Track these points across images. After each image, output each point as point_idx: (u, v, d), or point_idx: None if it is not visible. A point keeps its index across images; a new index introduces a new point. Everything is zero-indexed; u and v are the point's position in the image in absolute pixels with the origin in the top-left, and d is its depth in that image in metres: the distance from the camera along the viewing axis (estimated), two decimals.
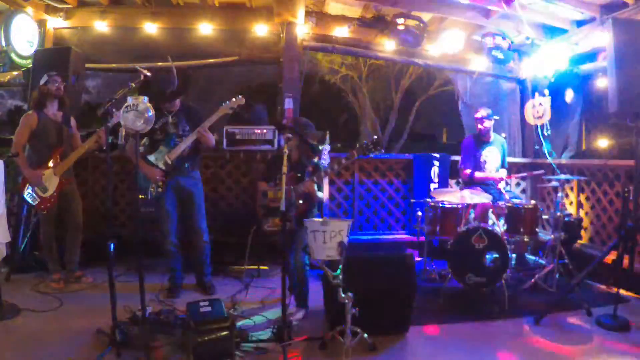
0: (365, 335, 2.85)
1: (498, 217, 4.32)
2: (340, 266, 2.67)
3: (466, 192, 4.19)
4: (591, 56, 5.25)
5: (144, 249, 2.86)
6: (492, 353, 2.97)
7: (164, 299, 3.72)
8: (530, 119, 5.60)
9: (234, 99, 3.76)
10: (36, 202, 3.85)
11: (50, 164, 3.89)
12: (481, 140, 4.82)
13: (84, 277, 4.14)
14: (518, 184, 5.94)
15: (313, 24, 5.47)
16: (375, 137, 3.37)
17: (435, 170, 5.38)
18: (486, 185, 4.70)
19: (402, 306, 3.19)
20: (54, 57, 4.74)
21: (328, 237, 2.68)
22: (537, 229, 4.17)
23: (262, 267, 4.55)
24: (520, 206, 4.15)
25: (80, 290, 3.93)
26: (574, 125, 5.93)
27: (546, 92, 5.38)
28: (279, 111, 5.26)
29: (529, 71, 5.99)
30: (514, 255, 4.37)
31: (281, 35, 5.35)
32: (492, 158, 4.79)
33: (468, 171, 4.77)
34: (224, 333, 2.69)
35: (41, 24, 5.17)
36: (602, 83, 5.41)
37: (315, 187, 3.43)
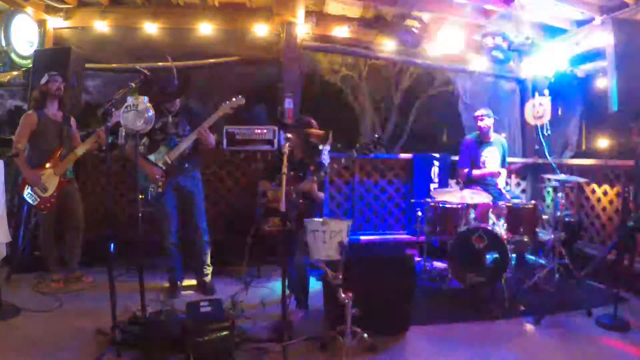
0: (365, 335, 2.84)
1: (498, 217, 4.32)
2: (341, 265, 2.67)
3: (466, 192, 4.19)
4: (591, 56, 5.25)
5: (144, 249, 2.86)
6: (492, 353, 2.97)
7: (164, 299, 3.72)
8: (530, 119, 5.59)
9: (234, 99, 3.76)
10: (36, 202, 3.85)
11: (50, 164, 3.89)
12: (481, 140, 4.82)
13: (84, 277, 4.14)
14: (518, 184, 5.94)
15: (313, 24, 5.47)
16: (376, 135, 3.37)
17: (435, 170, 5.38)
18: (486, 185, 4.70)
19: (402, 306, 3.20)
20: (54, 57, 4.74)
21: (328, 237, 2.68)
22: (537, 229, 4.16)
23: (262, 267, 4.55)
24: (520, 206, 4.15)
25: (80, 290, 3.93)
26: (574, 125, 5.93)
27: (546, 92, 5.38)
28: (279, 111, 5.26)
29: (529, 71, 5.99)
30: (514, 255, 4.37)
31: (281, 35, 5.35)
32: (492, 158, 4.78)
33: (465, 170, 4.78)
34: (224, 333, 2.70)
35: (41, 24, 5.17)
36: (602, 83, 5.41)
37: (316, 187, 3.42)
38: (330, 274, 2.68)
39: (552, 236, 4.06)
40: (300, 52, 5.44)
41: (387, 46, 5.71)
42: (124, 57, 5.63)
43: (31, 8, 4.99)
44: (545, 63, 5.49)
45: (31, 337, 2.98)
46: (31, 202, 3.86)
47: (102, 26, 5.40)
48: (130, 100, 2.70)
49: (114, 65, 5.74)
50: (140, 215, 2.80)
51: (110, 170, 3.21)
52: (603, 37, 4.12)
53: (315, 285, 3.65)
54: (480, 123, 4.76)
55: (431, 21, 5.66)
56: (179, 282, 3.97)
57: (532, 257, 4.90)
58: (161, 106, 3.74)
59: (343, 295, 2.61)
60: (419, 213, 4.61)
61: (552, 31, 5.44)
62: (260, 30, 5.45)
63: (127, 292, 3.12)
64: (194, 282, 4.08)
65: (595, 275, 4.13)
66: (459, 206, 4.25)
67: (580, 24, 5.14)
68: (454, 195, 4.21)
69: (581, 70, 5.53)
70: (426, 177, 5.38)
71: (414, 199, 5.29)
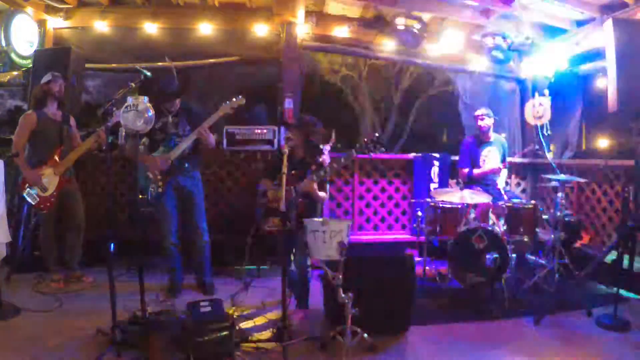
0: (365, 335, 2.84)
1: (498, 217, 4.32)
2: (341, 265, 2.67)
3: (466, 192, 4.19)
4: (591, 56, 5.25)
5: (144, 249, 2.86)
6: (492, 353, 2.97)
7: (164, 299, 3.72)
8: (530, 119, 5.59)
9: (234, 99, 3.76)
10: (36, 202, 3.85)
11: (50, 163, 3.89)
12: (481, 140, 4.82)
13: (84, 277, 4.14)
14: (518, 184, 5.94)
15: (313, 24, 5.47)
16: (376, 135, 3.35)
17: (435, 170, 5.38)
18: (486, 185, 4.70)
19: (402, 306, 3.20)
20: (54, 57, 4.74)
21: (328, 237, 2.68)
22: (537, 229, 4.17)
23: (262, 267, 4.55)
24: (520, 206, 4.15)
25: (80, 290, 3.93)
26: (574, 125, 5.93)
27: (546, 92, 5.38)
28: (279, 111, 5.26)
29: (529, 71, 5.99)
30: (514, 255, 4.37)
31: (281, 35, 5.35)
32: (492, 158, 4.79)
33: (466, 170, 4.78)
34: (224, 333, 2.70)
35: (41, 24, 5.17)
36: (602, 83, 5.40)
37: (316, 187, 3.41)
38: (330, 274, 2.68)
39: (552, 236, 4.06)
40: (300, 52, 5.44)
41: (387, 46, 5.71)
42: (124, 57, 5.62)
43: (31, 8, 4.99)
44: (545, 63, 5.49)
45: (31, 337, 2.98)
46: (31, 201, 3.86)
47: (102, 26, 5.40)
48: (130, 100, 2.70)
49: (114, 65, 5.74)
50: (140, 215, 2.81)
51: (110, 170, 3.21)
52: (603, 37, 4.12)
53: (315, 285, 3.64)
54: (480, 123, 4.76)
55: (431, 21, 5.66)
56: (179, 282, 3.97)
57: (532, 257, 4.91)
58: (161, 106, 3.74)
59: (343, 295, 2.61)
60: (419, 213, 4.61)
61: (552, 31, 5.44)
62: (260, 30, 5.45)
63: (127, 292, 3.11)
64: (193, 282, 4.08)
65: (595, 275, 4.13)
66: (459, 206, 4.25)
67: (580, 24, 5.14)
68: (454, 195, 4.21)
69: (581, 70, 5.52)
70: (426, 177, 5.38)
71: (414, 199, 5.29)
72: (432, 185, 5.32)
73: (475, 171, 4.74)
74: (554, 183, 4.16)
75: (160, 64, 5.37)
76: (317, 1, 5.47)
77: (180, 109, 3.87)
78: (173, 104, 3.82)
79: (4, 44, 4.65)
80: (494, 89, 6.31)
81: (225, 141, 4.91)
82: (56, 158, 3.90)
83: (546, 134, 5.35)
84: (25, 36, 4.87)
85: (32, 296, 3.73)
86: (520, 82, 6.25)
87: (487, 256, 3.75)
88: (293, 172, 3.34)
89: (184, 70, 5.47)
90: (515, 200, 4.33)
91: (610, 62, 3.51)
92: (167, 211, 3.82)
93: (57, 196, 3.89)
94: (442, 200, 4.32)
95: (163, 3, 5.49)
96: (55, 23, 5.33)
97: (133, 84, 3.28)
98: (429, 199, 4.54)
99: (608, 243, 4.62)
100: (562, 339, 3.17)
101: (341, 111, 12.02)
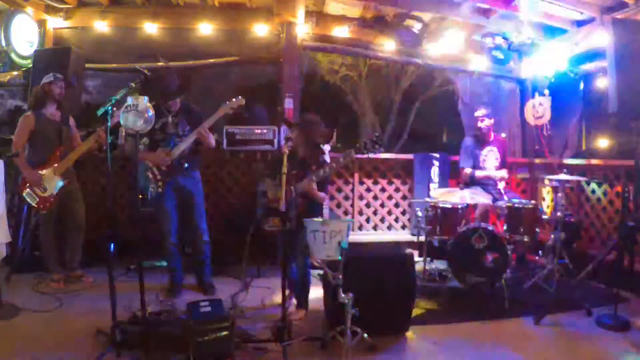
0: (365, 335, 2.84)
1: (498, 217, 4.32)
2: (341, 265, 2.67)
3: (466, 192, 4.18)
4: (591, 56, 5.25)
5: (144, 249, 2.86)
6: (492, 353, 2.97)
7: (164, 299, 3.72)
8: (530, 119, 5.60)
9: (234, 99, 3.76)
10: (36, 202, 3.85)
11: (50, 163, 3.89)
12: (481, 140, 4.82)
13: (84, 277, 4.14)
14: (518, 184, 5.94)
15: (313, 24, 5.47)
16: (376, 134, 3.35)
17: (435, 170, 5.38)
18: (486, 185, 4.70)
19: (402, 306, 3.20)
20: (54, 57, 4.73)
21: (328, 237, 2.68)
22: (537, 229, 4.17)
23: (262, 267, 4.55)
24: (520, 206, 4.15)
25: (80, 290, 3.93)
26: (574, 125, 5.93)
27: (546, 92, 5.38)
28: (279, 111, 5.26)
29: (529, 71, 5.99)
30: (514, 255, 4.37)
31: (281, 35, 5.35)
32: (492, 158, 4.79)
33: (468, 171, 4.77)
34: (224, 333, 2.69)
35: (41, 24, 5.17)
36: (602, 83, 5.41)
37: (315, 187, 3.41)
38: (330, 274, 2.68)
39: (552, 236, 4.06)
40: (300, 52, 5.45)
41: (387, 46, 5.71)
42: (124, 57, 5.63)
43: (31, 8, 4.99)
44: (545, 63, 5.49)
45: (31, 337, 2.98)
46: (31, 202, 3.86)
47: (102, 26, 5.40)
48: (130, 100, 2.70)
49: (114, 65, 5.75)
50: (140, 215, 2.81)
51: (110, 170, 3.21)
52: (603, 37, 4.12)
53: (315, 285, 3.64)
54: (480, 124, 4.76)
55: (431, 21, 5.66)
56: (179, 282, 3.97)
57: (532, 257, 4.91)
58: (161, 106, 3.74)
59: (343, 295, 2.61)
60: (419, 213, 4.61)
61: (552, 31, 5.44)
62: (260, 30, 5.45)
63: (127, 292, 3.11)
64: (194, 282, 4.08)
65: (595, 275, 4.13)
66: (459, 206, 4.25)
67: (580, 24, 5.14)
68: (454, 195, 4.21)
69: (581, 70, 5.53)
70: (426, 177, 5.38)
71: (414, 199, 5.28)
72: (432, 185, 5.32)
73: (479, 173, 4.73)
74: (554, 183, 4.16)
75: (160, 64, 5.37)
76: (317, 1, 5.47)
77: (180, 109, 3.87)
78: (173, 104, 3.82)
79: (4, 44, 4.65)
80: (494, 89, 6.32)
81: (225, 141, 4.91)
82: (56, 158, 3.90)
83: (546, 134, 5.35)
84: (25, 36, 4.86)
85: (32, 296, 3.73)
86: (520, 82, 6.25)
87: (487, 256, 3.75)
88: (293, 172, 3.34)
89: (184, 70, 5.48)
90: (515, 200, 4.33)
91: (610, 62, 3.51)
92: (167, 211, 3.82)
93: (57, 196, 3.89)
94: (442, 200, 4.32)
95: (163, 3, 5.49)
96: (55, 23, 5.33)
97: (133, 84, 3.27)
98: (428, 199, 4.54)
99: (608, 243, 4.61)
100: (562, 338, 3.17)
101: (341, 111, 12.02)
